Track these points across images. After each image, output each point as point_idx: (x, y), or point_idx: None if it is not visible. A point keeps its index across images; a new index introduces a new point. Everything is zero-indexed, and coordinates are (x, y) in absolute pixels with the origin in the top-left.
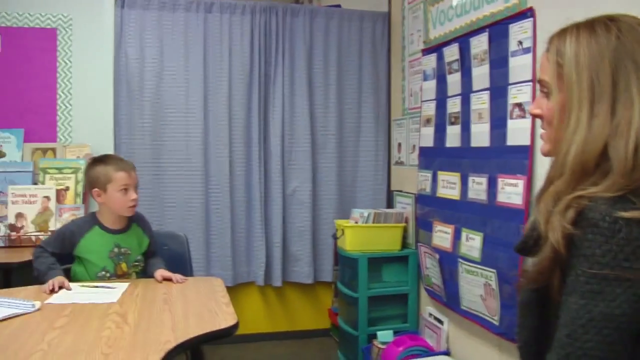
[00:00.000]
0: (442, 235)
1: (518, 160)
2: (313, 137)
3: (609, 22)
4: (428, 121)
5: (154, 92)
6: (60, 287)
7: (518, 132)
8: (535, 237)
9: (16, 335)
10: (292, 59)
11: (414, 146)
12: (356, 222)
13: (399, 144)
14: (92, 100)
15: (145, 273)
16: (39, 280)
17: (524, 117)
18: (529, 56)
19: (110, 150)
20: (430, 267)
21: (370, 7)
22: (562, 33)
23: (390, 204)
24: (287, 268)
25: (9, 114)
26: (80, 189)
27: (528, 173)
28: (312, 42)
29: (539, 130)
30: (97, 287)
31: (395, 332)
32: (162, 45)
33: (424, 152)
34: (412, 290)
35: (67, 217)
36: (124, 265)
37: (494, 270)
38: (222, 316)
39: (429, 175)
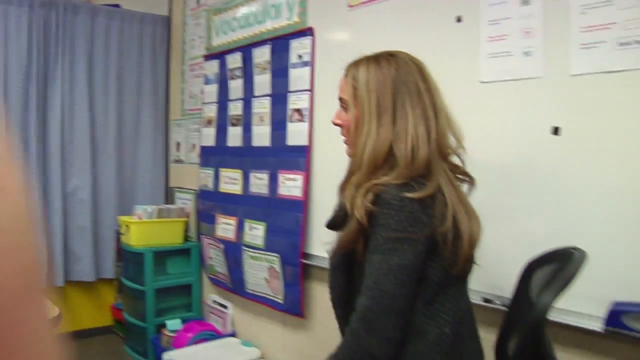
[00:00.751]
0: (225, 226)
1: (297, 158)
2: (93, 136)
3: (389, 57)
4: (209, 122)
5: None
6: None
7: (297, 134)
8: (342, 216)
9: None
10: (72, 56)
11: (193, 145)
12: (140, 218)
13: (178, 143)
14: None
15: None
16: None
17: (302, 121)
18: (308, 69)
19: None
20: (214, 257)
21: (150, 9)
22: (357, 63)
23: (169, 200)
24: (68, 267)
25: None
26: None
27: (307, 169)
28: (93, 41)
29: (317, 132)
30: None
31: (183, 321)
32: None
33: (205, 150)
34: (195, 280)
35: None
36: None
37: (278, 255)
38: None
39: (210, 172)
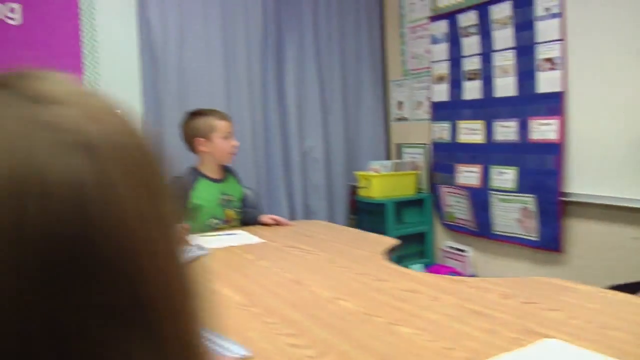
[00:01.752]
0: (468, 174)
1: (550, 104)
2: (322, 99)
3: None
4: (441, 79)
5: (177, 57)
6: None
7: (549, 81)
8: None
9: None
10: (300, 23)
11: (419, 102)
12: (377, 172)
13: (400, 102)
14: (118, 67)
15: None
16: None
17: (554, 69)
18: (557, 20)
19: (139, 118)
20: (455, 204)
21: None
22: None
23: (391, 155)
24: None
25: None
26: None
27: (562, 114)
28: (316, 9)
29: (572, 79)
30: (219, 235)
31: (424, 265)
32: (181, 10)
33: (438, 106)
34: (428, 228)
35: None
36: (230, 212)
37: (533, 196)
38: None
39: (446, 125)
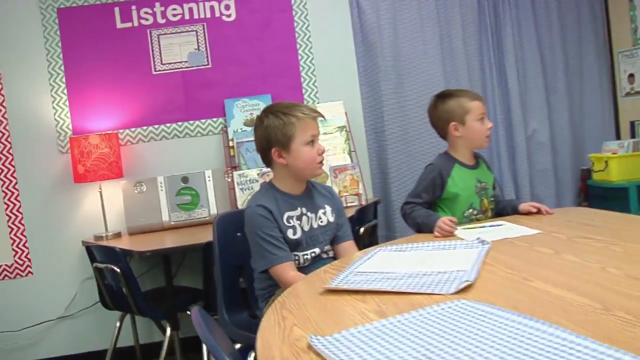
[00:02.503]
0: None
1: None
2: (544, 77)
3: None
4: None
5: (391, 41)
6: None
7: None
8: None
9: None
10: (517, 1)
11: None
12: (614, 154)
13: (631, 75)
14: (333, 57)
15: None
16: (423, 231)
17: None
18: None
19: (358, 106)
20: None
21: None
22: None
23: (619, 135)
24: None
25: (254, 80)
26: (346, 146)
27: None
28: None
29: None
30: (483, 227)
31: None
32: None
33: None
34: None
35: (342, 177)
36: (486, 201)
37: None
38: None
39: None
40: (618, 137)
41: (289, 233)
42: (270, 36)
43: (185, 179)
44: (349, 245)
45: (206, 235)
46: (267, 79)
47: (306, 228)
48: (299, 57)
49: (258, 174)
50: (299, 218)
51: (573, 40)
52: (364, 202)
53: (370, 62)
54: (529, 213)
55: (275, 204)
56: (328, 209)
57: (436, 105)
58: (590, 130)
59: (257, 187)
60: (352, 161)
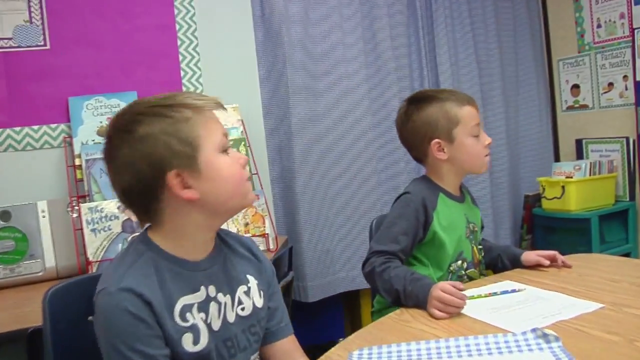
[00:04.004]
0: None
1: None
2: (481, 88)
3: None
4: None
5: (301, 33)
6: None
7: None
8: None
9: None
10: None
11: (610, 84)
12: (568, 177)
13: (575, 86)
14: (225, 45)
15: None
16: (404, 303)
17: None
18: None
19: (258, 113)
20: None
21: None
22: None
23: (558, 156)
24: None
25: (112, 71)
26: None
27: None
28: None
29: None
30: (494, 294)
31: None
32: None
33: None
34: (633, 247)
35: (242, 211)
36: (476, 250)
37: None
38: None
39: None
40: (557, 157)
41: (185, 342)
42: (139, 9)
43: (5, 215)
44: (288, 345)
45: (36, 310)
46: (133, 69)
47: (216, 325)
48: (178, 42)
49: (119, 208)
50: (203, 307)
51: (509, 45)
52: (272, 247)
53: (275, 57)
54: (538, 265)
55: (159, 285)
56: (253, 282)
57: (409, 115)
58: (528, 150)
59: (116, 227)
60: (253, 188)
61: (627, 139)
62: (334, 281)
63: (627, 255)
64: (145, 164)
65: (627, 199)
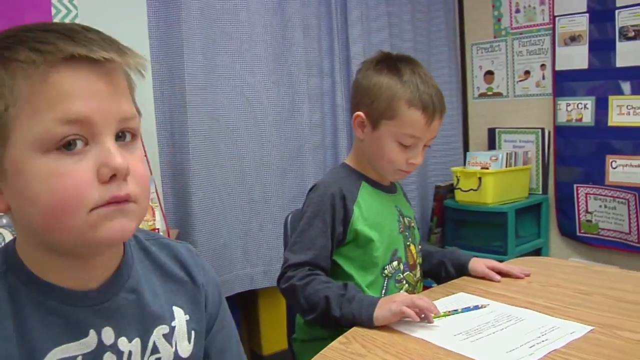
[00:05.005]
0: (631, 170)
1: None
2: None
3: None
4: (573, 39)
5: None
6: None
7: None
8: None
9: None
10: None
11: (527, 72)
12: (484, 168)
13: (489, 72)
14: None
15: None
16: (338, 323)
17: None
18: None
19: (148, 91)
20: (599, 210)
21: None
22: None
23: (467, 146)
24: None
25: None
26: None
27: None
28: None
29: None
30: (454, 311)
31: None
32: None
33: (566, 75)
34: (544, 242)
35: None
36: (414, 250)
37: None
38: None
39: (586, 102)
40: (466, 146)
41: None
42: None
43: None
44: None
45: None
46: None
47: None
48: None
49: None
50: None
51: (422, 27)
52: None
53: (169, 25)
54: (484, 278)
55: (15, 329)
56: (180, 318)
57: (361, 70)
58: (437, 138)
59: None
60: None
61: (543, 130)
62: (230, 280)
63: (538, 250)
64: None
65: (540, 192)
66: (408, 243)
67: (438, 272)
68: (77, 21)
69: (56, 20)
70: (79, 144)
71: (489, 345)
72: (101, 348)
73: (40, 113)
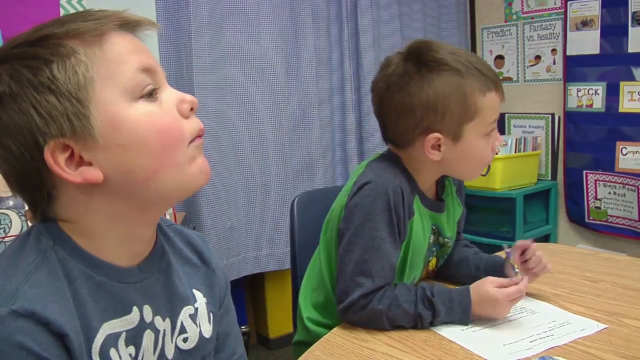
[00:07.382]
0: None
1: None
2: None
3: None
4: (585, 24)
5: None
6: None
7: None
8: None
9: None
10: None
11: (537, 58)
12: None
13: (499, 57)
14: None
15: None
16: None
17: None
18: None
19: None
20: (609, 197)
21: None
22: None
23: None
24: None
25: None
26: None
27: None
28: None
29: None
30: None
31: None
32: None
33: (578, 60)
34: (553, 228)
35: None
36: (433, 263)
37: None
38: None
39: (598, 88)
40: None
41: None
42: None
43: None
44: None
45: None
46: None
47: None
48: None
49: None
50: (134, 339)
51: (432, 9)
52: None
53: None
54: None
55: (74, 304)
56: (201, 301)
57: (405, 80)
58: None
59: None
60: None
61: (553, 115)
62: (238, 263)
63: (546, 237)
64: (11, 139)
65: (549, 178)
66: (430, 259)
67: (473, 278)
68: None
69: None
70: (156, 92)
71: (488, 337)
72: (142, 325)
73: (119, 66)
